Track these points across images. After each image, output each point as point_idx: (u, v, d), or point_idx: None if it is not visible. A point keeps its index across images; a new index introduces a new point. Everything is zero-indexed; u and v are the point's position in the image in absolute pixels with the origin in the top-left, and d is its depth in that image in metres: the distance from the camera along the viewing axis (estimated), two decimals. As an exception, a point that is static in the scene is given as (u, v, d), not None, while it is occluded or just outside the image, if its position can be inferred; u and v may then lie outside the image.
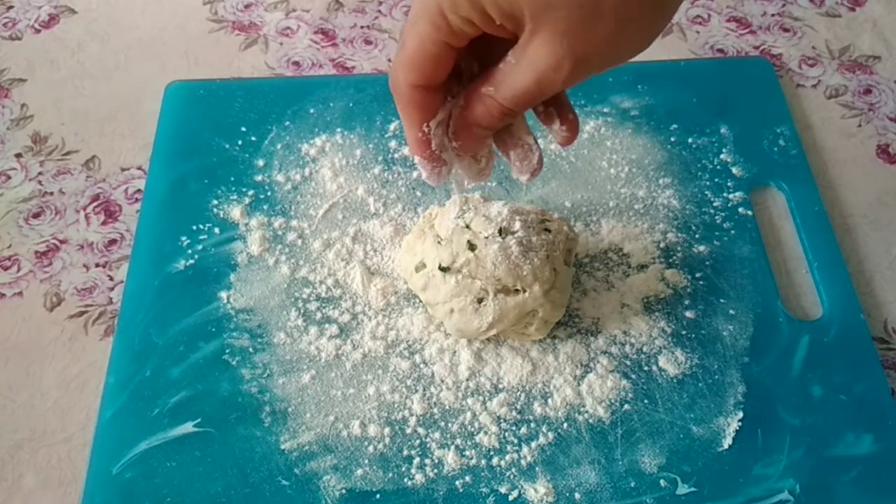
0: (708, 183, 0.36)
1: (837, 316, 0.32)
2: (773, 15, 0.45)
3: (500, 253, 0.29)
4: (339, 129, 0.38)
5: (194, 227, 0.34)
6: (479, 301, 0.30)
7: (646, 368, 0.31)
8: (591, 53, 0.21)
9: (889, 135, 0.40)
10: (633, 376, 0.30)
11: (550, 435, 0.29)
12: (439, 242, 0.31)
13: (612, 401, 0.30)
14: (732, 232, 0.35)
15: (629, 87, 0.39)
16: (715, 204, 0.36)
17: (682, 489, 0.28)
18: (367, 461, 0.28)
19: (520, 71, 0.22)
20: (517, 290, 0.30)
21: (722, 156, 0.37)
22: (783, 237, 0.35)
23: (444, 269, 0.30)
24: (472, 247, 0.30)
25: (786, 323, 0.32)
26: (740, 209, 0.35)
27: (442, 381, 0.30)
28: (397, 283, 0.33)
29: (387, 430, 0.29)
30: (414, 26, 0.22)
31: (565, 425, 0.29)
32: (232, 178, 0.36)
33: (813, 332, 0.32)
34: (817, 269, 0.34)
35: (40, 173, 0.39)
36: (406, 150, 0.37)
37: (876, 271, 0.35)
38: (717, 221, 0.35)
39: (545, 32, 0.21)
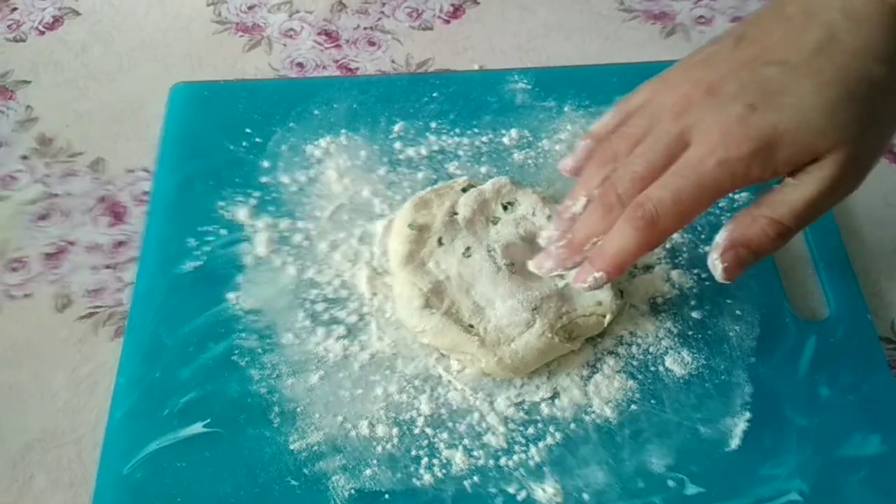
0: (714, 183, 0.36)
1: (844, 316, 0.32)
2: (777, 14, 0.45)
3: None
4: (343, 131, 0.38)
5: (201, 229, 0.35)
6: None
7: (652, 369, 0.31)
8: (871, 165, 0.25)
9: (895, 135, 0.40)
10: (640, 377, 0.31)
11: (558, 435, 0.29)
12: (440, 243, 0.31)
13: (620, 401, 0.30)
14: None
15: (634, 87, 0.39)
16: (720, 204, 0.36)
17: (691, 489, 0.28)
18: (375, 461, 0.29)
19: (804, 189, 0.24)
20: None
21: (727, 156, 0.37)
22: (789, 237, 0.35)
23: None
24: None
25: (792, 323, 0.32)
26: (746, 209, 0.36)
27: (449, 381, 0.30)
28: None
29: (395, 430, 0.29)
30: (715, 169, 0.24)
31: (573, 426, 0.29)
32: (238, 180, 0.36)
33: (820, 332, 0.32)
34: (823, 269, 0.34)
35: (46, 175, 0.39)
36: (410, 152, 0.37)
37: (882, 271, 0.35)
38: (723, 222, 0.35)
39: (839, 156, 0.24)
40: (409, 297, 0.31)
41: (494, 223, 0.31)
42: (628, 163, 0.26)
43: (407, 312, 0.31)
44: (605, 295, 0.31)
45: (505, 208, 0.33)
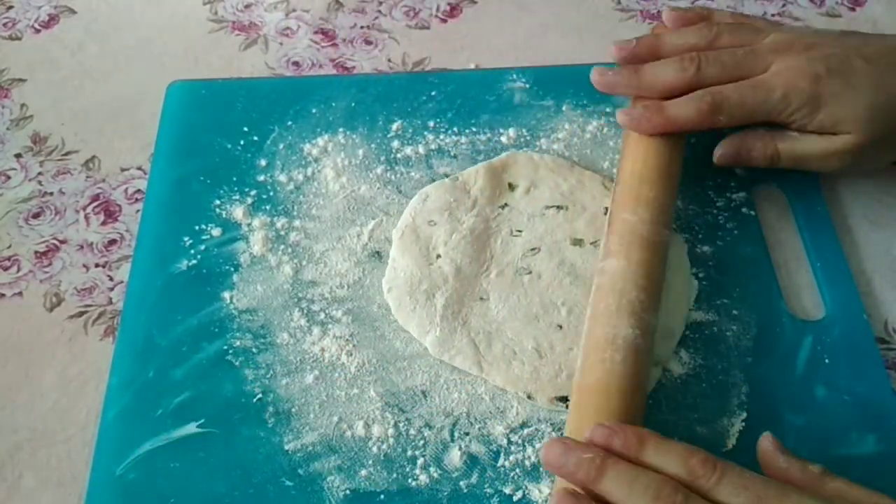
0: (711, 183, 0.36)
1: (840, 316, 0.32)
2: (773, 15, 0.46)
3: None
4: (341, 129, 0.38)
5: (196, 227, 0.34)
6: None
7: (649, 368, 0.31)
8: (871, 164, 0.33)
9: None
10: (637, 376, 0.30)
11: (555, 435, 0.29)
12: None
13: (617, 401, 0.30)
14: (735, 232, 0.35)
15: (631, 87, 0.39)
16: (718, 204, 0.36)
17: (687, 489, 0.28)
18: (370, 462, 0.28)
19: (812, 146, 0.31)
20: None
21: (724, 156, 0.37)
22: (785, 237, 0.35)
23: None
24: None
25: (789, 323, 0.32)
26: (743, 209, 0.36)
27: (445, 381, 0.30)
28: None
29: (391, 430, 0.29)
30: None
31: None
32: (234, 178, 0.36)
33: (816, 332, 0.32)
34: (820, 269, 0.34)
35: (40, 173, 0.38)
36: (408, 150, 0.37)
37: (876, 271, 0.35)
38: (720, 222, 0.35)
39: (852, 141, 0.31)
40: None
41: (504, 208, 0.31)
42: (720, 54, 0.32)
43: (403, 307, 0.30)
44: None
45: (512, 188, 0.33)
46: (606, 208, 0.33)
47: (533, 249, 0.32)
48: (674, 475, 0.22)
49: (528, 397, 0.29)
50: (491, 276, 0.31)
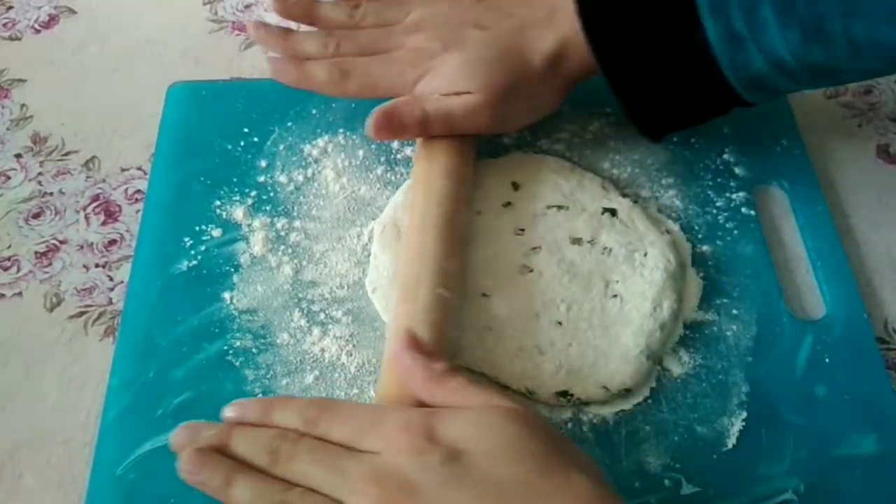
0: (710, 183, 0.36)
1: (840, 316, 0.32)
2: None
3: None
4: (341, 130, 0.38)
5: (197, 228, 0.34)
6: None
7: (650, 368, 0.31)
8: (505, 119, 0.34)
9: (889, 135, 0.40)
10: (637, 376, 0.30)
11: (555, 435, 0.29)
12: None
13: (617, 401, 0.30)
14: (735, 232, 0.35)
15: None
16: (718, 204, 0.36)
17: (687, 489, 0.28)
18: (371, 462, 0.28)
19: (452, 105, 0.32)
20: None
21: (724, 156, 0.37)
22: (785, 237, 0.35)
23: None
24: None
25: (789, 323, 0.32)
26: (743, 209, 0.36)
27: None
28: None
29: (391, 430, 0.29)
30: None
31: (570, 425, 0.29)
32: (234, 179, 0.36)
33: (816, 331, 0.32)
34: (820, 268, 0.34)
35: (40, 174, 0.38)
36: (408, 151, 0.37)
37: (875, 271, 0.35)
38: (720, 221, 0.35)
39: (478, 98, 0.32)
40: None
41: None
42: (358, 34, 0.34)
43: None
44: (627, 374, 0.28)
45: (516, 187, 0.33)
46: (604, 208, 0.33)
47: (534, 248, 0.32)
48: (294, 428, 0.25)
49: (529, 393, 0.29)
50: (493, 273, 0.31)
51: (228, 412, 0.26)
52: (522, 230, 0.32)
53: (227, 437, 0.25)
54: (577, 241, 0.32)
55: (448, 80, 0.32)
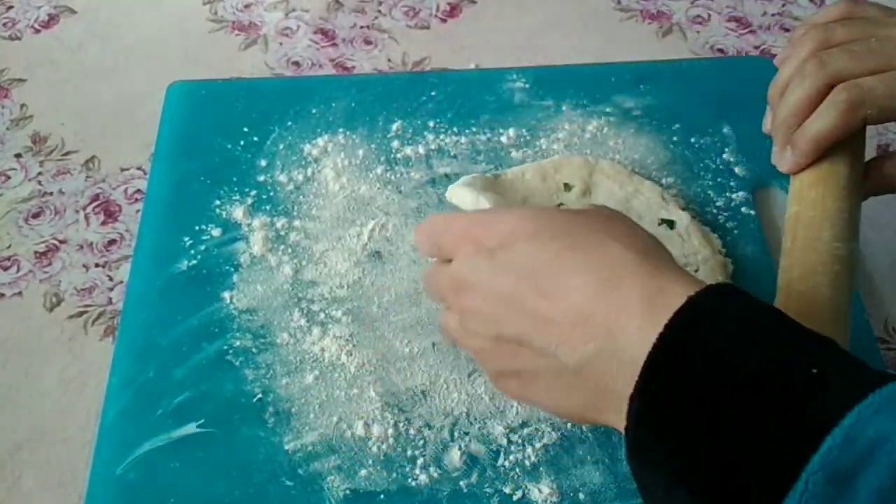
0: (711, 183, 0.36)
1: (840, 315, 0.32)
2: (773, 15, 0.46)
3: None
4: (341, 130, 0.38)
5: (197, 228, 0.34)
6: None
7: (650, 368, 0.31)
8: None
9: (889, 135, 0.40)
10: (637, 376, 0.30)
11: (554, 435, 0.29)
12: None
13: (617, 400, 0.30)
14: (736, 232, 0.35)
15: (631, 86, 0.40)
16: (718, 203, 0.36)
17: (687, 489, 0.28)
18: (370, 461, 0.28)
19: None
20: None
21: (724, 155, 0.37)
22: (785, 237, 0.35)
23: None
24: None
25: (789, 322, 0.32)
26: (743, 209, 0.36)
27: (445, 381, 0.30)
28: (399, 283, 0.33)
29: (390, 430, 0.29)
30: None
31: (569, 425, 0.29)
32: (234, 179, 0.36)
33: (816, 331, 0.32)
34: (820, 268, 0.34)
35: (40, 173, 0.38)
36: (408, 151, 0.37)
37: (875, 271, 0.35)
38: (721, 221, 0.35)
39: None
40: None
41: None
42: (843, 47, 0.26)
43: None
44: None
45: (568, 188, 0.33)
46: (661, 219, 0.33)
47: None
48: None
49: None
50: None
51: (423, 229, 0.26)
52: None
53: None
54: None
55: None
